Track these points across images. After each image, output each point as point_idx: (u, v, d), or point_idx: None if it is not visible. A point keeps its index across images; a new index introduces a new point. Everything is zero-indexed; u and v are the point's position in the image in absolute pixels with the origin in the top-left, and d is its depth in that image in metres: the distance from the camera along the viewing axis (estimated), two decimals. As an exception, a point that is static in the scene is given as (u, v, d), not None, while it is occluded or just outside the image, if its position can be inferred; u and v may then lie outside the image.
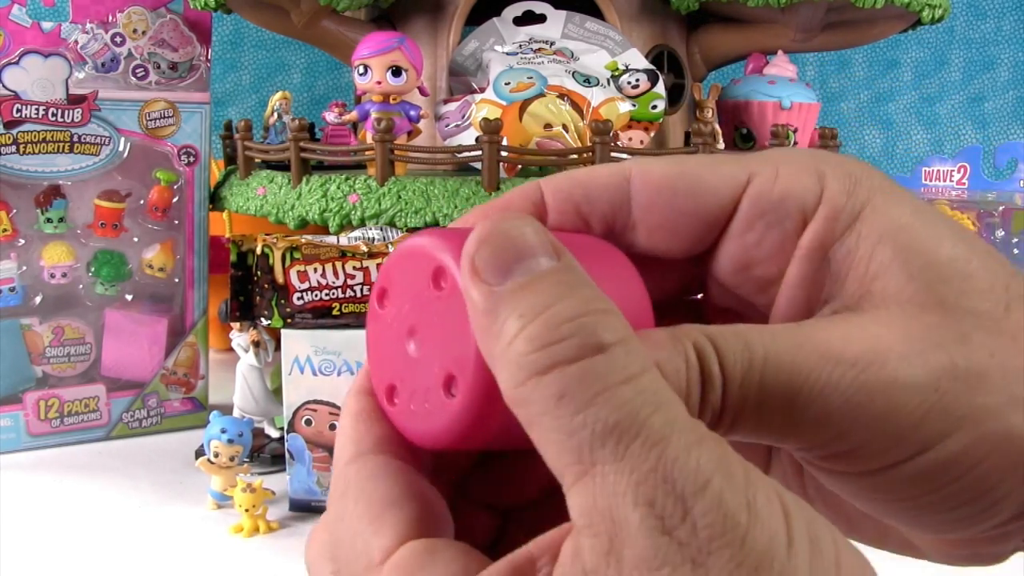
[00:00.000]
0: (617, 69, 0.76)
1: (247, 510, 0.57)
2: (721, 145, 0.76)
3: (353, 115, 0.74)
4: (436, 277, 0.18)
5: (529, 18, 0.81)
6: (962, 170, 0.98)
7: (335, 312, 0.56)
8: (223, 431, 0.59)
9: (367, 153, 0.70)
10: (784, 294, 0.21)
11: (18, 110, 0.69)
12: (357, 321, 0.56)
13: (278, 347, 0.61)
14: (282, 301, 0.56)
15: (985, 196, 0.89)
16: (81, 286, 0.74)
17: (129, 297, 0.76)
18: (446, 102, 0.77)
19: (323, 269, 0.56)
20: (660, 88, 0.75)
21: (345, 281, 0.56)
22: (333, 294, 0.56)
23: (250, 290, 0.59)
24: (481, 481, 0.22)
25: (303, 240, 0.58)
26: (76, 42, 0.72)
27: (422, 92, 0.74)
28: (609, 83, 0.75)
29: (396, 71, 0.69)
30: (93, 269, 0.74)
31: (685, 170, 0.21)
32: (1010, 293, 0.19)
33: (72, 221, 0.73)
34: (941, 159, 1.00)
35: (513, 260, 0.16)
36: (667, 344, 0.18)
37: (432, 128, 0.77)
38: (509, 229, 0.17)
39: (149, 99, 0.74)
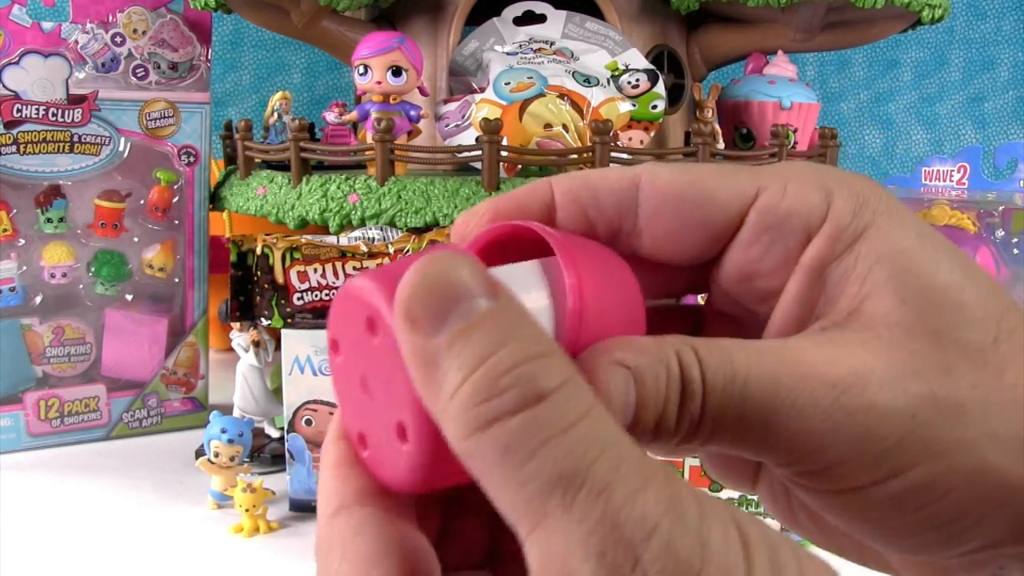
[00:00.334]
0: (617, 69, 0.76)
1: (247, 510, 0.57)
2: (721, 145, 0.76)
3: (353, 115, 0.74)
4: (370, 324, 0.18)
5: (529, 18, 0.81)
6: (962, 170, 0.98)
7: (335, 312, 0.56)
8: (223, 431, 0.59)
9: (367, 153, 0.70)
10: (780, 308, 0.21)
11: (18, 110, 0.69)
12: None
13: (278, 347, 0.61)
14: (282, 301, 0.56)
15: (985, 196, 0.89)
16: (81, 286, 0.74)
17: (129, 297, 0.76)
18: (446, 102, 0.77)
19: (323, 269, 0.56)
20: (660, 88, 0.75)
21: (345, 281, 0.56)
22: (333, 294, 0.56)
23: (250, 290, 0.59)
24: (471, 489, 0.22)
25: (303, 240, 0.58)
26: (76, 42, 0.72)
27: (422, 92, 0.74)
28: (609, 83, 0.75)
29: (396, 71, 0.69)
30: (93, 269, 0.74)
31: (694, 180, 0.21)
32: (1001, 326, 0.19)
33: (72, 221, 0.73)
34: (941, 159, 1.00)
35: (449, 305, 0.16)
36: (651, 350, 0.19)
37: (432, 128, 0.77)
38: (444, 270, 0.16)
39: (149, 99, 0.74)
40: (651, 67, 0.77)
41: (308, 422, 0.58)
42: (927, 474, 0.18)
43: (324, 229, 0.69)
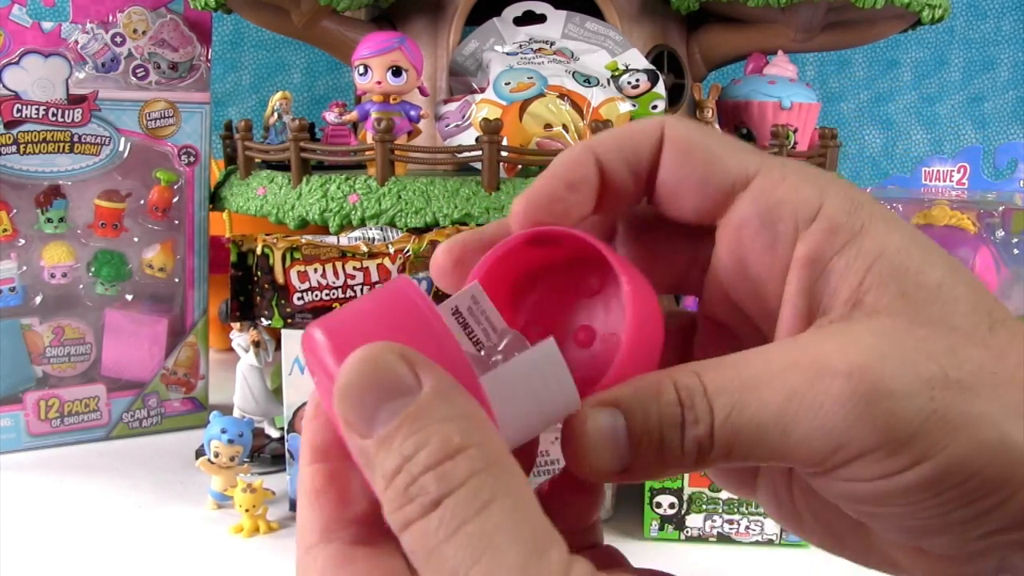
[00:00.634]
0: (617, 69, 0.76)
1: (247, 510, 0.57)
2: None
3: (353, 115, 0.74)
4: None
5: (529, 18, 0.81)
6: (962, 170, 0.98)
7: (335, 312, 0.56)
8: (223, 431, 0.59)
9: (367, 153, 0.70)
10: (786, 304, 0.21)
11: (18, 110, 0.69)
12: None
13: (278, 347, 0.61)
14: (282, 301, 0.56)
15: (985, 196, 0.89)
16: (81, 286, 0.74)
17: (129, 297, 0.76)
18: (446, 102, 0.77)
19: (323, 269, 0.56)
20: (660, 88, 0.75)
21: (345, 281, 0.56)
22: (333, 294, 0.56)
23: (250, 290, 0.59)
24: None
25: (303, 240, 0.58)
26: (76, 42, 0.72)
27: (422, 92, 0.74)
28: (609, 83, 0.75)
29: (396, 71, 0.69)
30: (93, 269, 0.74)
31: (705, 139, 0.22)
32: (993, 316, 0.20)
33: (72, 221, 0.73)
34: (941, 159, 1.00)
35: (375, 408, 0.18)
36: (644, 385, 0.20)
37: (432, 128, 0.77)
38: (370, 372, 0.18)
39: (149, 99, 0.74)
40: (651, 67, 0.77)
41: (308, 422, 0.58)
42: (955, 455, 0.19)
43: (324, 229, 0.69)
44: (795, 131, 0.81)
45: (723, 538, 0.57)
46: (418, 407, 0.17)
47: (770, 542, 0.56)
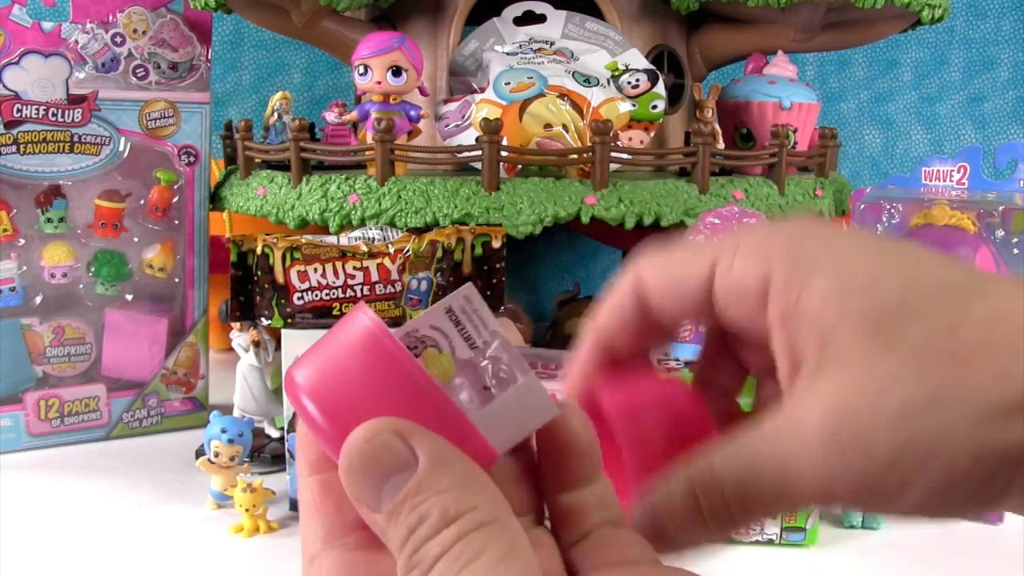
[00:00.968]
0: (617, 69, 0.76)
1: (247, 510, 0.57)
2: (721, 145, 0.76)
3: (353, 115, 0.74)
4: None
5: (529, 18, 0.81)
6: (962, 170, 0.98)
7: (335, 312, 0.56)
8: (223, 431, 0.59)
9: (367, 153, 0.70)
10: (779, 366, 0.23)
11: (18, 110, 0.69)
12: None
13: (278, 347, 0.61)
14: (282, 301, 0.56)
15: (985, 196, 0.89)
16: (81, 286, 0.74)
17: (129, 297, 0.76)
18: (446, 102, 0.77)
19: (323, 269, 0.56)
20: (660, 88, 0.75)
21: (345, 281, 0.56)
22: (333, 294, 0.56)
23: (250, 290, 0.59)
24: None
25: (303, 240, 0.57)
26: (76, 42, 0.72)
27: (422, 92, 0.74)
28: (609, 83, 0.75)
29: (396, 71, 0.69)
30: (93, 269, 0.74)
31: (670, 266, 0.25)
32: (958, 318, 0.20)
33: (72, 221, 0.73)
34: (941, 159, 1.00)
35: (379, 481, 0.19)
36: (664, 480, 0.23)
37: (432, 128, 0.77)
38: (371, 451, 0.19)
39: (149, 99, 0.74)
40: (651, 67, 0.77)
41: (308, 422, 0.58)
42: (934, 474, 0.20)
43: (324, 229, 0.69)
44: (795, 131, 0.81)
45: (723, 538, 0.57)
46: (417, 481, 0.19)
47: (770, 542, 0.56)
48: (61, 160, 0.71)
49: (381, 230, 0.66)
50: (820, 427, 0.20)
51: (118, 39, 0.73)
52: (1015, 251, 0.79)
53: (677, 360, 0.55)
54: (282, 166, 0.77)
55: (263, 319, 0.58)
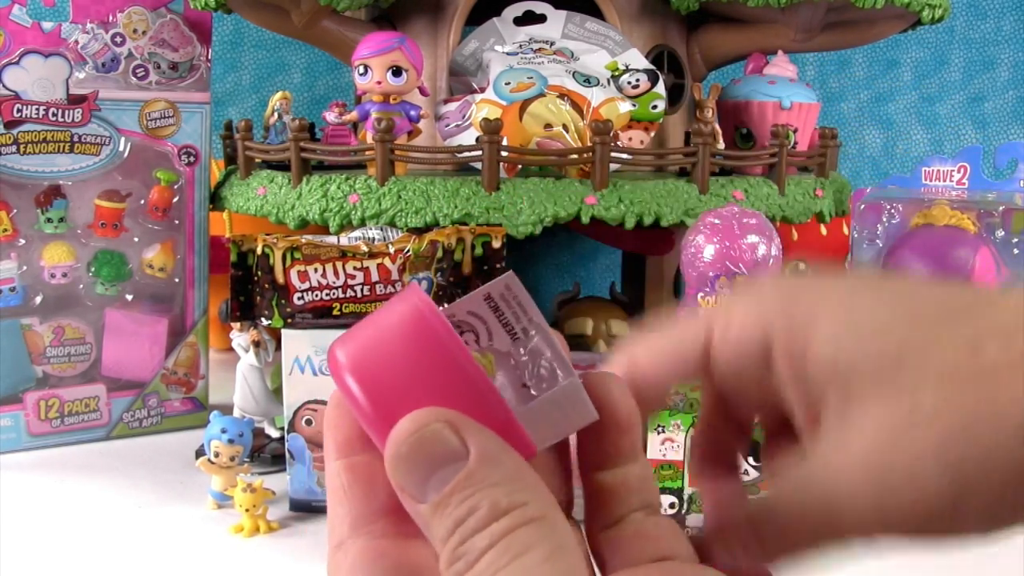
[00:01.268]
0: (617, 69, 0.76)
1: (247, 510, 0.57)
2: (721, 145, 0.76)
3: (353, 115, 0.74)
4: (370, 438, 0.21)
5: (529, 18, 0.81)
6: (962, 170, 0.98)
7: (335, 312, 0.56)
8: (223, 431, 0.59)
9: (367, 153, 0.70)
10: (794, 413, 0.23)
11: (18, 110, 0.69)
12: (358, 321, 0.56)
13: (278, 347, 0.61)
14: (282, 301, 0.56)
15: (985, 196, 0.89)
16: (81, 286, 0.74)
17: (129, 297, 0.76)
18: (446, 102, 0.77)
19: (323, 269, 0.56)
20: (660, 88, 0.75)
21: (345, 281, 0.56)
22: (333, 294, 0.56)
23: (250, 290, 0.59)
24: None
25: (303, 240, 0.57)
26: (76, 42, 0.72)
27: (422, 92, 0.74)
28: (609, 83, 0.75)
29: (396, 71, 0.69)
30: (93, 269, 0.74)
31: (661, 347, 0.25)
32: (972, 346, 0.20)
33: (72, 221, 0.73)
34: (941, 159, 1.00)
35: (428, 472, 0.19)
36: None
37: (432, 128, 0.77)
38: (420, 441, 0.19)
39: (149, 99, 0.74)
40: (651, 67, 0.77)
41: (308, 422, 0.58)
42: (992, 488, 0.20)
43: (324, 229, 0.69)
44: (795, 131, 0.81)
45: (723, 538, 0.57)
46: (468, 473, 0.19)
47: (770, 542, 0.56)
48: (61, 160, 0.71)
49: (381, 230, 0.66)
50: (865, 466, 0.21)
51: (118, 39, 0.73)
52: (1015, 251, 0.79)
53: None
54: (282, 166, 0.77)
55: (263, 319, 0.58)
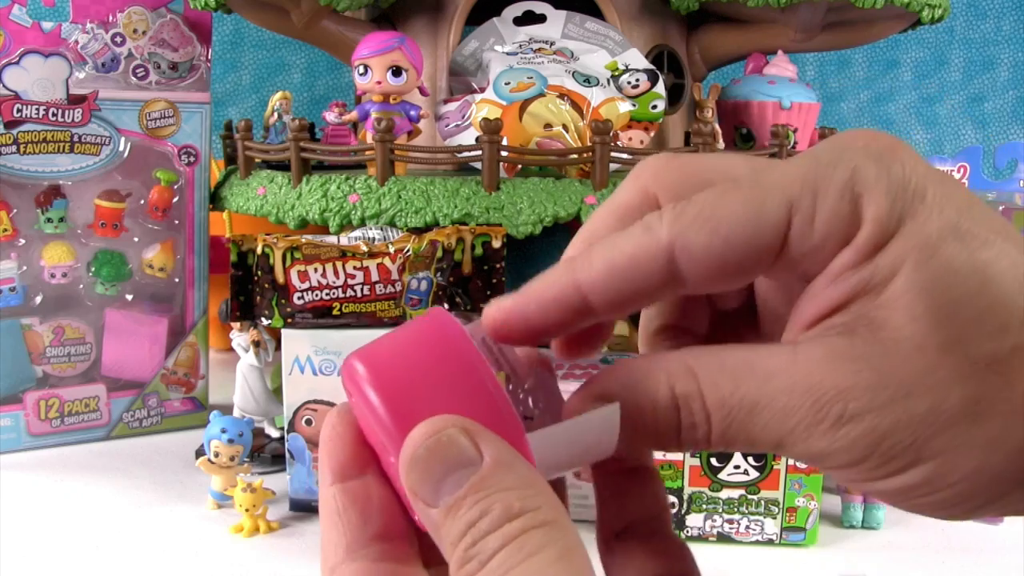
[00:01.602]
0: (617, 69, 0.76)
1: (247, 510, 0.57)
2: (721, 145, 0.76)
3: (353, 115, 0.74)
4: (385, 449, 0.20)
5: (529, 18, 0.81)
6: (962, 170, 0.98)
7: (335, 312, 0.56)
8: (223, 431, 0.59)
9: (367, 153, 0.70)
10: (803, 304, 0.21)
11: (18, 110, 0.69)
12: (358, 321, 0.56)
13: (278, 347, 0.61)
14: (282, 301, 0.56)
15: (985, 196, 0.89)
16: (81, 286, 0.74)
17: (129, 297, 0.76)
18: (446, 102, 0.77)
19: (323, 269, 0.56)
20: (660, 88, 0.75)
21: (345, 281, 0.56)
22: (333, 294, 0.56)
23: (250, 290, 0.59)
24: None
25: (303, 240, 0.57)
26: (76, 42, 0.72)
27: (422, 92, 0.74)
28: (609, 83, 0.75)
29: (396, 71, 0.69)
30: (93, 269, 0.74)
31: (731, 232, 0.20)
32: (1022, 332, 0.19)
33: (72, 221, 0.73)
34: (941, 159, 1.00)
35: (441, 476, 0.19)
36: (642, 388, 0.21)
37: (432, 128, 0.77)
38: (437, 444, 0.19)
39: (149, 99, 0.74)
40: (651, 67, 0.77)
41: (308, 422, 0.58)
42: (926, 473, 0.19)
43: (324, 229, 0.69)
44: (795, 131, 0.81)
45: (723, 538, 0.57)
46: (481, 477, 0.19)
47: (770, 542, 0.56)
48: (61, 160, 0.71)
49: (381, 230, 0.66)
50: (840, 414, 0.19)
51: (118, 39, 0.73)
52: (1015, 251, 0.79)
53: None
54: (282, 166, 0.77)
55: (263, 319, 0.58)
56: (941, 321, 0.19)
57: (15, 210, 0.71)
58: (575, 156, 0.68)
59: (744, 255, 0.20)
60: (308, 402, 0.57)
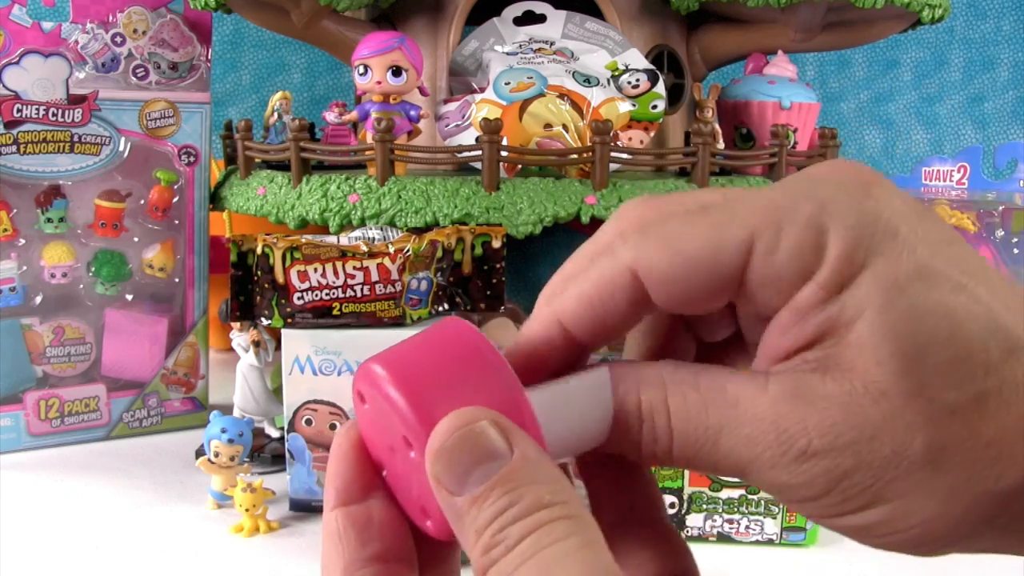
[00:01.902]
0: (617, 69, 0.76)
1: (247, 510, 0.57)
2: (721, 145, 0.76)
3: (353, 115, 0.74)
4: (407, 442, 0.20)
5: (529, 18, 0.81)
6: (962, 170, 0.98)
7: (335, 312, 0.56)
8: (223, 431, 0.59)
9: (367, 153, 0.70)
10: (770, 336, 0.21)
11: (18, 110, 0.69)
12: (357, 321, 0.56)
13: (278, 347, 0.61)
14: (282, 301, 0.56)
15: (985, 196, 0.89)
16: (81, 286, 0.74)
17: (129, 297, 0.76)
18: (446, 102, 0.77)
19: (323, 269, 0.56)
20: (660, 88, 0.75)
21: (345, 281, 0.56)
22: (333, 294, 0.56)
23: (250, 290, 0.59)
24: None
25: (303, 240, 0.57)
26: (76, 42, 0.72)
27: (422, 92, 0.74)
28: (609, 83, 0.75)
29: (396, 71, 0.69)
30: (93, 269, 0.74)
31: (687, 258, 0.21)
32: (989, 380, 0.19)
33: (72, 221, 0.73)
34: (941, 159, 1.00)
35: (467, 469, 0.19)
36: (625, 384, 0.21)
37: (432, 128, 0.77)
38: (465, 436, 0.19)
39: (149, 99, 0.74)
40: (651, 67, 0.77)
41: (308, 422, 0.58)
42: (884, 515, 0.20)
43: (324, 229, 0.69)
44: (795, 131, 0.81)
45: (723, 538, 0.57)
46: (511, 469, 0.19)
47: (770, 542, 0.56)
48: (61, 160, 0.71)
49: (381, 230, 0.66)
50: (805, 450, 0.20)
51: (118, 39, 0.73)
52: (1015, 251, 0.79)
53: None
54: (282, 166, 0.77)
55: (263, 319, 0.58)
56: (907, 367, 0.19)
57: (15, 210, 0.71)
58: (575, 156, 0.68)
59: (705, 278, 0.20)
60: (308, 402, 0.57)
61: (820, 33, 0.82)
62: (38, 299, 0.72)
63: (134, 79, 0.74)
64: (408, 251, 0.57)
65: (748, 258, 0.20)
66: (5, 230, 0.70)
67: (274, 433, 0.69)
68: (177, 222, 0.77)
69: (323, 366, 0.56)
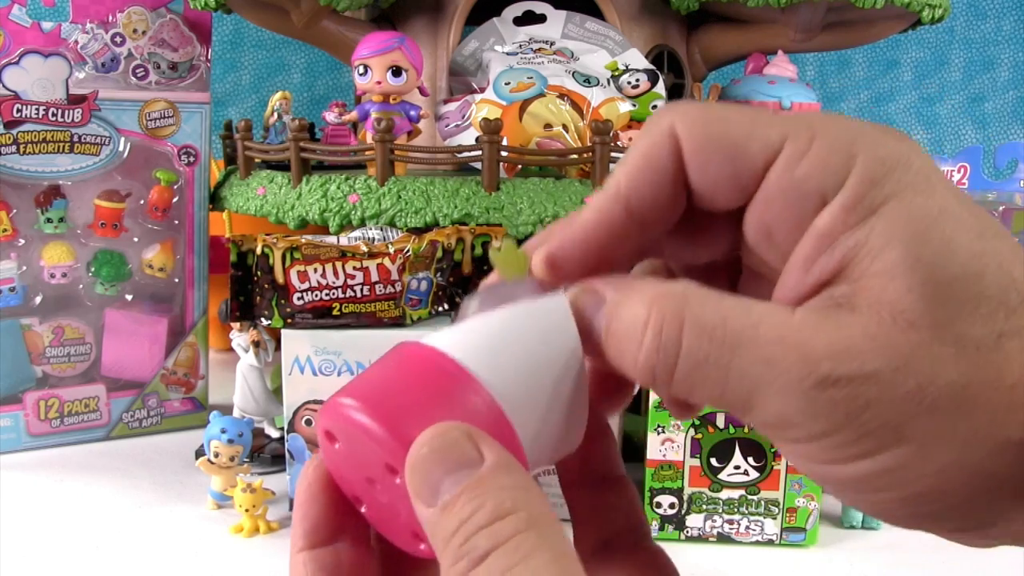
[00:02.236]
0: (617, 69, 0.76)
1: (247, 510, 0.57)
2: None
3: (353, 115, 0.74)
4: (391, 469, 0.20)
5: (529, 18, 0.81)
6: (962, 170, 0.98)
7: (335, 312, 0.56)
8: (223, 431, 0.59)
9: (367, 153, 0.70)
10: (789, 271, 0.21)
11: (18, 110, 0.69)
12: (357, 321, 0.56)
13: (278, 347, 0.61)
14: (282, 301, 0.56)
15: (985, 196, 0.89)
16: (81, 286, 0.74)
17: (129, 297, 0.76)
18: (446, 102, 0.77)
19: (323, 269, 0.56)
20: (660, 88, 0.75)
21: (345, 281, 0.56)
22: (333, 294, 0.56)
23: (250, 290, 0.59)
24: None
25: (303, 240, 0.57)
26: (76, 42, 0.72)
27: (422, 92, 0.74)
28: (609, 83, 0.75)
29: (396, 71, 0.69)
30: (93, 269, 0.74)
31: (723, 128, 0.21)
32: (1010, 321, 0.19)
33: (72, 221, 0.73)
34: (941, 159, 1.00)
35: (442, 476, 0.19)
36: (628, 291, 0.21)
37: (432, 128, 0.77)
38: (439, 446, 0.19)
39: (149, 99, 0.74)
40: (651, 67, 0.77)
41: (308, 422, 0.58)
42: (900, 459, 0.19)
43: (324, 229, 0.69)
44: (795, 131, 0.81)
45: (723, 538, 0.57)
46: (479, 477, 0.19)
47: (770, 542, 0.56)
48: (61, 160, 0.71)
49: (381, 230, 0.65)
50: (825, 376, 0.19)
51: (118, 39, 0.73)
52: (1015, 251, 0.79)
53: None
54: (282, 166, 0.77)
55: (263, 319, 0.58)
56: (937, 297, 0.19)
57: (15, 210, 0.71)
58: (575, 156, 0.68)
59: (731, 161, 0.21)
60: (308, 402, 0.57)
61: (820, 33, 0.82)
62: (38, 299, 0.72)
63: (134, 79, 0.74)
64: (408, 251, 0.57)
65: (774, 157, 0.20)
66: (5, 230, 0.70)
67: (274, 433, 0.69)
68: (177, 222, 0.77)
69: (323, 366, 0.56)
